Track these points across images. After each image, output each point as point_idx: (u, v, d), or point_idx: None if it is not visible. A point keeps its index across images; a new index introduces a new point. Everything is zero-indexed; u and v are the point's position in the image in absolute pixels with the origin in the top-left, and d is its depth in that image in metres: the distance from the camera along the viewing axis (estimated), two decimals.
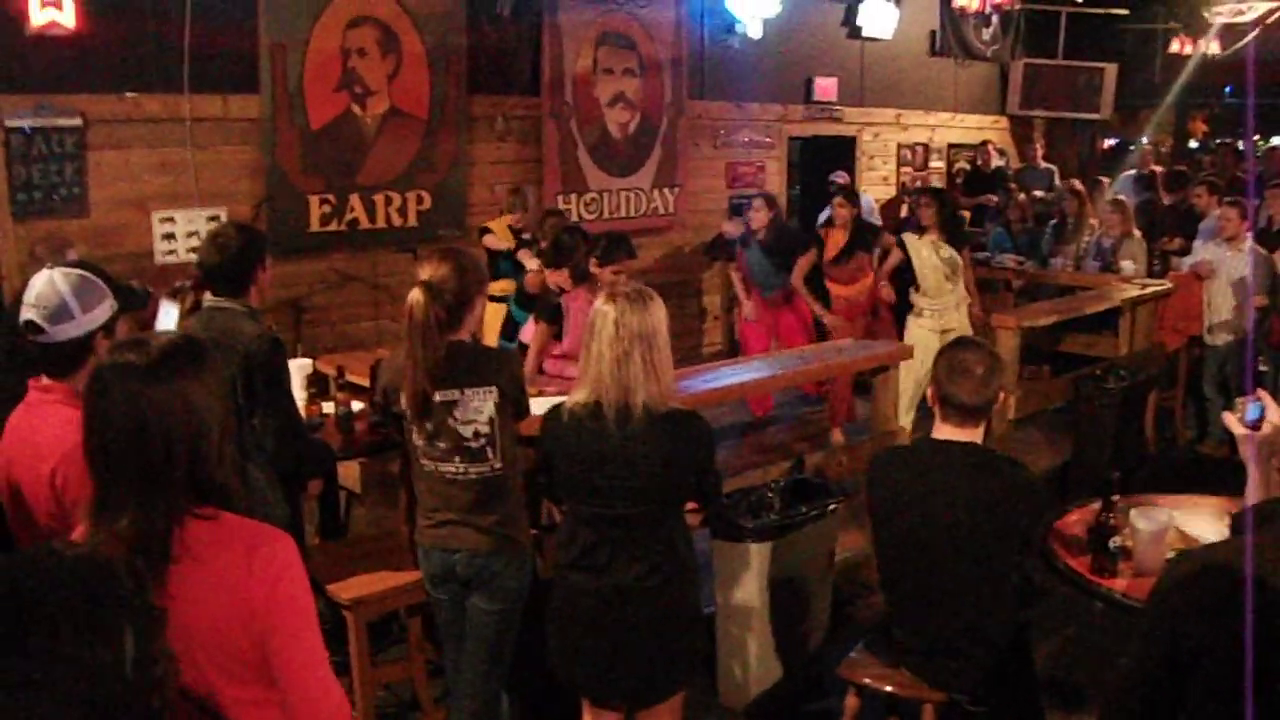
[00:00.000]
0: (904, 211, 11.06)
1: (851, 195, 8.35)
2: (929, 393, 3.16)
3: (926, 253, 7.35)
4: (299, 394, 4.39)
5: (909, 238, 7.51)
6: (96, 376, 1.93)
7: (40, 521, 2.53)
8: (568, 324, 5.50)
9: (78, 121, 6.60)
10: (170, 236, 7.03)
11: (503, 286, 6.95)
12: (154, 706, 1.39)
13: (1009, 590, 3.12)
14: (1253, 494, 2.58)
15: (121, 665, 1.40)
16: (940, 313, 7.36)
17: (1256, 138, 13.67)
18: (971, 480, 3.04)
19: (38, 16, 6.19)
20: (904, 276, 7.64)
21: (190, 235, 7.04)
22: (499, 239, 7.48)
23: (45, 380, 2.66)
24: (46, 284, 2.66)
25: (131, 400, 1.86)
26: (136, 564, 1.76)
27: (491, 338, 6.56)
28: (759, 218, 7.85)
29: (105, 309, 2.71)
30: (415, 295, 3.36)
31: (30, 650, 1.34)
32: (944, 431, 3.10)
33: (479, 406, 3.42)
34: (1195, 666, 1.86)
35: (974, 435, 3.08)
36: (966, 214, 12.04)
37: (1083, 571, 3.56)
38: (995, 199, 11.55)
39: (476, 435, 3.43)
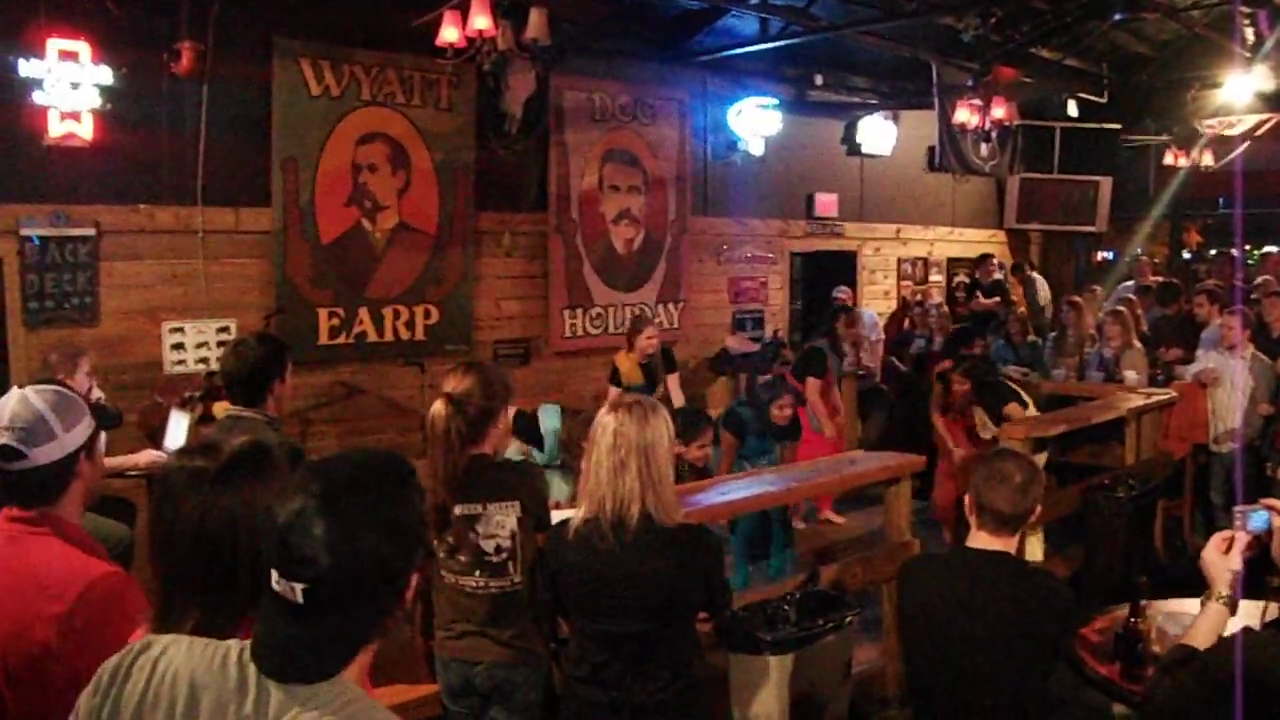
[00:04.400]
0: (906, 324, 11.13)
1: (852, 312, 8.36)
2: (966, 501, 3.13)
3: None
4: None
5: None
6: (165, 480, 1.92)
7: (14, 659, 2.19)
8: None
9: (92, 231, 6.70)
10: (180, 346, 7.08)
11: None
12: None
13: (1041, 699, 3.06)
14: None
15: None
16: None
17: (1248, 247, 13.82)
18: (1006, 590, 3.00)
19: (56, 129, 6.35)
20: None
21: (200, 346, 7.11)
22: (627, 377, 6.93)
23: (16, 510, 2.32)
24: (20, 403, 2.31)
25: (201, 505, 1.85)
26: None
27: None
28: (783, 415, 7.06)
29: (85, 427, 2.41)
30: (437, 407, 3.36)
31: None
32: (979, 540, 3.06)
33: (501, 520, 3.39)
34: None
35: (1009, 545, 3.04)
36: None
37: (1114, 678, 3.55)
38: (998, 302, 11.65)
39: (498, 550, 3.40)
